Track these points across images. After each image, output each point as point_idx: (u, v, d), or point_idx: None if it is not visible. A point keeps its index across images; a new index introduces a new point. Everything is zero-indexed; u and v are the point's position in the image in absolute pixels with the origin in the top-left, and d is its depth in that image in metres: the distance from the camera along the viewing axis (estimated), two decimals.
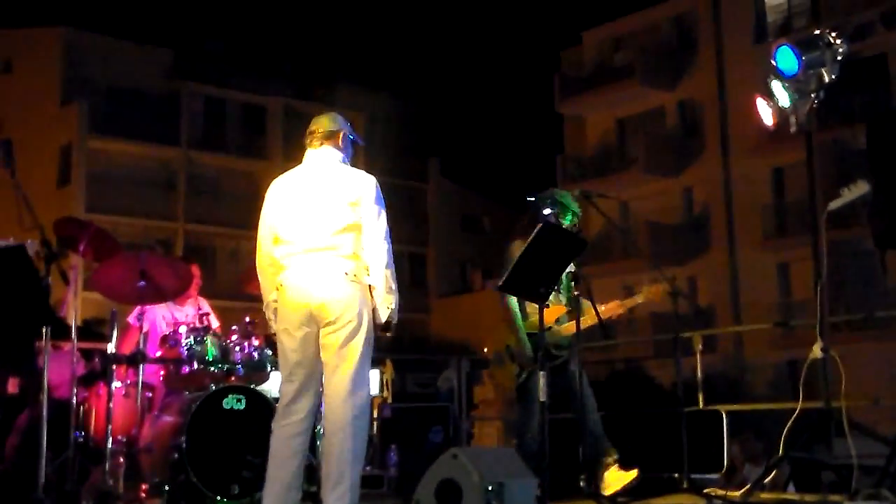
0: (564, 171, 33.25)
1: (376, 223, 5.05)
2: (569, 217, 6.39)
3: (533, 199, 5.86)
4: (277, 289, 5.02)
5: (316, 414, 5.11)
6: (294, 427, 4.88)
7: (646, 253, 24.00)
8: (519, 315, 6.34)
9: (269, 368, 6.55)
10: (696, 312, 7.65)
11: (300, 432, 4.89)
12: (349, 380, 4.94)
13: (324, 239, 5.01)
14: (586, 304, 6.31)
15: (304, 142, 5.30)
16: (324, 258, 5.00)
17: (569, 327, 6.37)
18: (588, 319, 6.29)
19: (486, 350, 6.79)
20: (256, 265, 5.18)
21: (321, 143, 5.24)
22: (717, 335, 27.42)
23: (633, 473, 6.19)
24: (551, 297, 5.98)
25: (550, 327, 6.32)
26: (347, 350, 4.94)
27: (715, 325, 26.87)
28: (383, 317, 4.96)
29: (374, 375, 9.20)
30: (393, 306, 4.98)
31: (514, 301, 6.32)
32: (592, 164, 32.84)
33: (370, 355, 5.06)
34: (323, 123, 5.27)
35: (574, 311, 6.30)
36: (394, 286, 4.99)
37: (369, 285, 4.99)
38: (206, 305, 7.31)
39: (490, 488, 4.00)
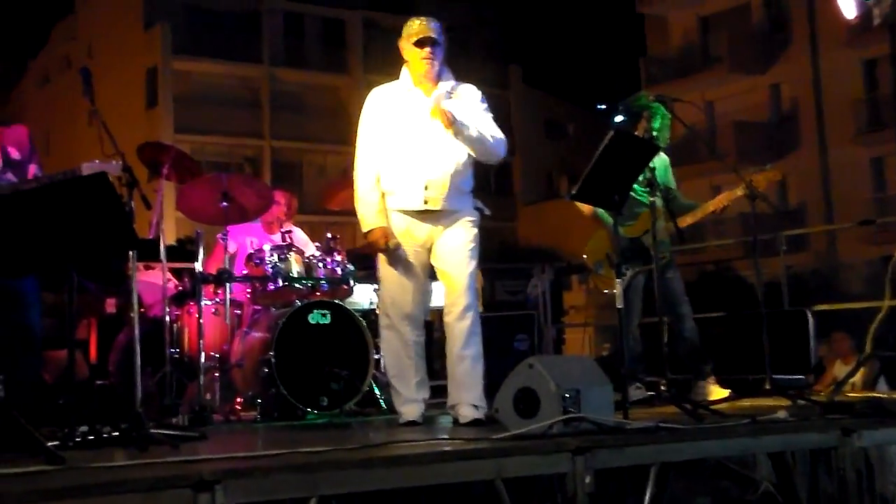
0: (647, 72, 32.58)
1: None
2: (658, 121, 6.33)
3: (604, 106, 5.82)
4: None
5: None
6: None
7: (724, 156, 23.54)
8: (608, 219, 6.32)
9: (352, 283, 6.67)
10: (779, 213, 7.53)
11: None
12: None
13: None
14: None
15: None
16: None
17: (667, 227, 6.32)
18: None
19: (584, 257, 6.79)
20: None
21: None
22: (810, 233, 27.00)
23: (726, 393, 6.23)
24: (648, 200, 5.96)
25: (647, 231, 6.27)
26: None
27: (806, 224, 26.42)
28: None
29: None
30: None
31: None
32: (675, 64, 32.08)
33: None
34: None
35: (671, 214, 6.25)
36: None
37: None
38: (299, 236, 7.24)
39: (567, 395, 4.06)
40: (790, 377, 7.30)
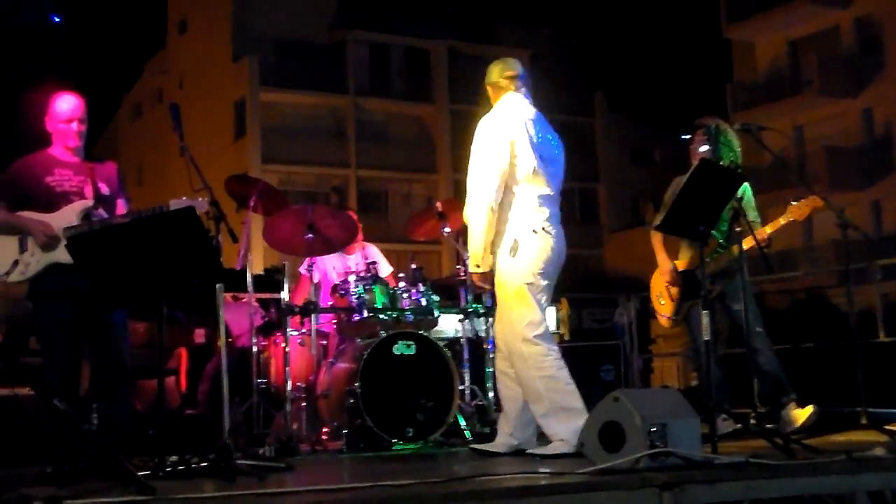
0: (734, 98, 32.09)
1: None
2: (728, 155, 6.24)
3: (689, 136, 5.76)
4: (535, 231, 5.11)
5: None
6: None
7: (812, 183, 23.09)
8: (660, 252, 6.54)
9: (436, 313, 6.66)
10: (867, 240, 7.41)
11: None
12: None
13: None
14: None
15: (509, 85, 5.39)
16: None
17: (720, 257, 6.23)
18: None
19: (650, 290, 6.80)
20: (490, 203, 5.08)
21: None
22: None
23: (809, 410, 6.04)
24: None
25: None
26: None
27: None
28: None
29: (550, 313, 9.12)
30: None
31: (657, 239, 6.48)
32: (763, 90, 31.52)
33: None
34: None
35: (726, 245, 6.20)
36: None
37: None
38: (374, 253, 7.43)
39: (653, 429, 4.00)
40: (888, 411, 7.08)
